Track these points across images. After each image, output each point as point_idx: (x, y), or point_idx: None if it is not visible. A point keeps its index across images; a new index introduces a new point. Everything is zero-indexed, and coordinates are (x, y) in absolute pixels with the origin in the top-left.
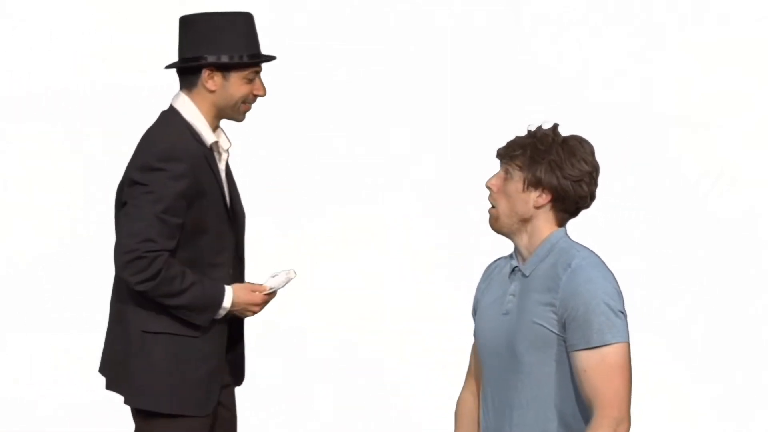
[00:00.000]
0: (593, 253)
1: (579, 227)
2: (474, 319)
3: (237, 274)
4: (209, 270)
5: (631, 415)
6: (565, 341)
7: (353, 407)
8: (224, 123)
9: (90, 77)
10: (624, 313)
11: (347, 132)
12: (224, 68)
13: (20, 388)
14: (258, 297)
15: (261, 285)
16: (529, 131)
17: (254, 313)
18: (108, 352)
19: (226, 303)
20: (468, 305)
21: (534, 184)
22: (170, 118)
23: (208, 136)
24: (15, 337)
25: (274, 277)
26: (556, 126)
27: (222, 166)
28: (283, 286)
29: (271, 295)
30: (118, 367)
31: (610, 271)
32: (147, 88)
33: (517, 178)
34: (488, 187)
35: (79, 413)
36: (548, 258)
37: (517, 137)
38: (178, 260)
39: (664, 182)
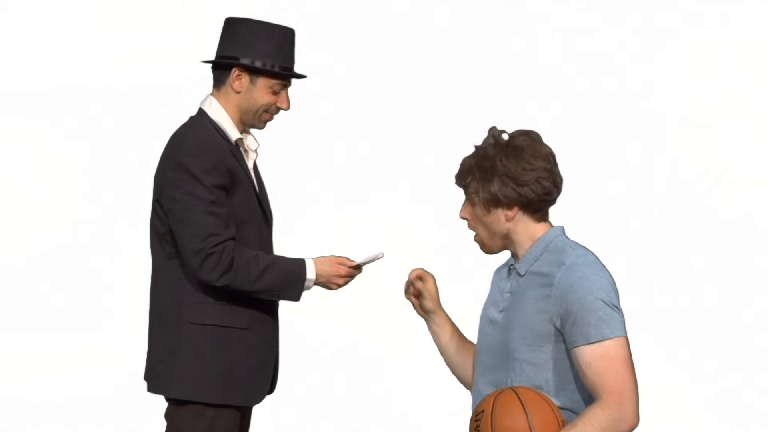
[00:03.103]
0: (589, 251)
1: (578, 227)
2: None
3: None
4: None
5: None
6: (562, 338)
7: (353, 407)
8: None
9: (90, 77)
10: (620, 309)
11: (346, 132)
12: (253, 72)
13: (20, 388)
14: (342, 269)
15: (346, 258)
16: (475, 147)
17: (339, 285)
18: (150, 355)
19: (310, 275)
20: (468, 305)
21: (494, 203)
22: (197, 117)
23: (233, 133)
24: (15, 337)
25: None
26: (494, 134)
27: (250, 165)
28: (369, 262)
29: (357, 269)
30: (163, 364)
31: (605, 268)
32: (147, 87)
33: (479, 202)
34: (463, 218)
35: (79, 413)
36: (543, 257)
37: (463, 159)
38: None
39: (664, 182)
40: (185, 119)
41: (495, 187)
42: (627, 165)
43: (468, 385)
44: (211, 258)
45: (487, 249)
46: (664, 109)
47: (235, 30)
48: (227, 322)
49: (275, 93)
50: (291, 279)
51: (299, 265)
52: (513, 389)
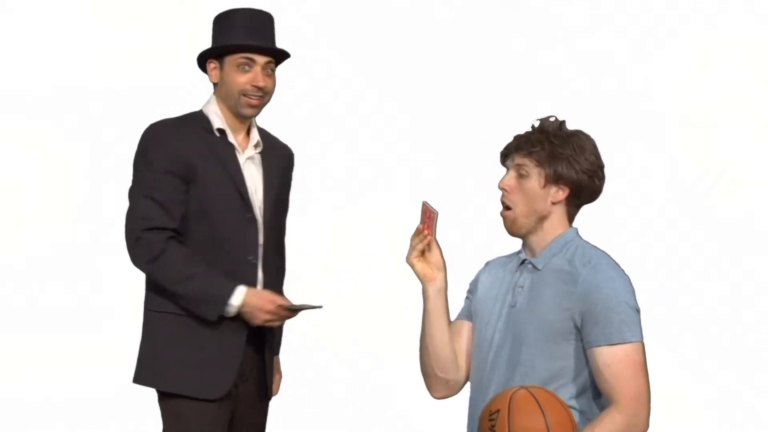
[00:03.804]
0: (607, 254)
1: (578, 227)
2: (470, 301)
3: (267, 267)
4: (224, 256)
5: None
6: (579, 335)
7: (352, 407)
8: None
9: (90, 77)
10: (640, 313)
11: (347, 131)
12: (218, 57)
13: (20, 388)
14: (271, 306)
15: (283, 297)
16: (534, 126)
17: (263, 321)
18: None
19: (235, 301)
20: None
21: (554, 179)
22: (192, 112)
23: (216, 123)
24: (15, 337)
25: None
26: (563, 122)
27: (242, 158)
28: (304, 309)
29: (289, 312)
30: (138, 352)
31: (624, 271)
32: (147, 87)
33: (535, 175)
34: (502, 189)
35: (79, 413)
36: (562, 254)
37: (526, 133)
38: (192, 242)
39: (664, 182)
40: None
41: (561, 164)
42: (627, 165)
43: (442, 368)
44: (140, 243)
45: (516, 227)
46: (664, 109)
47: (212, 31)
48: (183, 311)
49: (245, 71)
50: (211, 297)
51: (228, 287)
52: (527, 389)
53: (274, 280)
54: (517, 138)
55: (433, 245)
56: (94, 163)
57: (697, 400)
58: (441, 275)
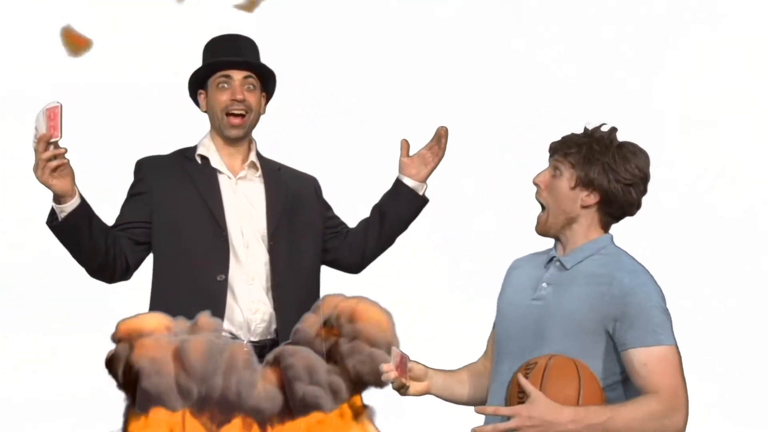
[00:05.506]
0: (638, 261)
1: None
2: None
3: (279, 290)
4: (190, 272)
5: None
6: (610, 338)
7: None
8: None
9: (90, 77)
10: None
11: (347, 132)
12: (202, 83)
13: (20, 388)
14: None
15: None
16: (585, 129)
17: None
18: None
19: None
20: (467, 307)
21: (585, 183)
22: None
23: (201, 152)
24: (15, 337)
25: None
26: (613, 129)
27: (230, 182)
28: None
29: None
30: None
31: (654, 278)
32: (147, 87)
33: (568, 175)
34: (536, 184)
35: (79, 413)
36: (595, 257)
37: (573, 134)
38: (160, 255)
39: (664, 181)
40: (185, 119)
41: (595, 169)
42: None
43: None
44: None
45: (546, 228)
46: (664, 107)
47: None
48: (185, 313)
49: (225, 88)
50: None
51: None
52: (569, 357)
53: (296, 301)
54: (564, 137)
55: (411, 365)
56: (93, 163)
57: (698, 399)
58: (430, 374)
